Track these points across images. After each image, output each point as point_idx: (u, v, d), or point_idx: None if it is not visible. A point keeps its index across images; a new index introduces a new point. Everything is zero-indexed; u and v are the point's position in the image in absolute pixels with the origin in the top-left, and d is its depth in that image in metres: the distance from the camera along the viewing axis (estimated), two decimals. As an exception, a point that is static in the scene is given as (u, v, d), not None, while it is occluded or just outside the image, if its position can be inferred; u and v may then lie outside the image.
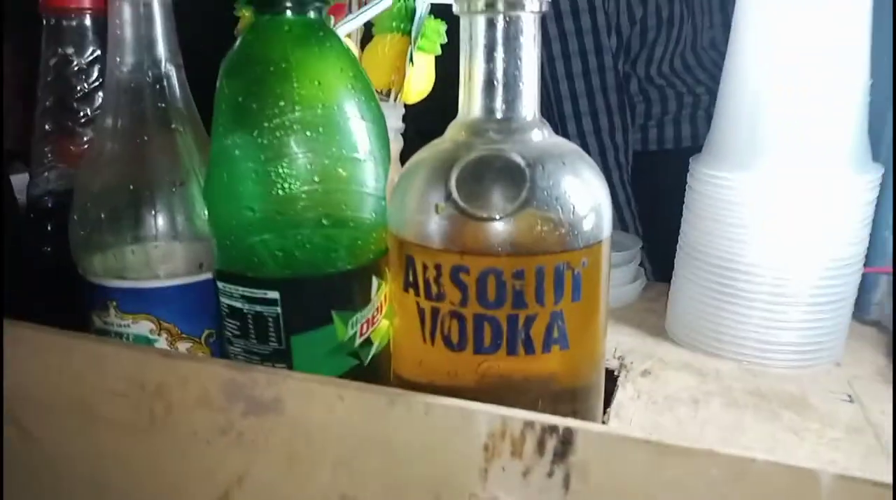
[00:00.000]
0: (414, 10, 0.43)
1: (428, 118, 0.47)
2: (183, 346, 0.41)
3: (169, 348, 0.39)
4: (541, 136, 0.34)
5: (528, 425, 0.31)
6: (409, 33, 0.43)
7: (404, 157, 0.44)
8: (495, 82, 0.33)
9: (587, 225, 0.33)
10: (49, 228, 0.48)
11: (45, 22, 0.47)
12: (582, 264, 0.32)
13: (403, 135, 0.46)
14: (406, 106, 0.45)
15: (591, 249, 0.33)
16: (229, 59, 0.33)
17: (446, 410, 0.32)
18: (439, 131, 0.35)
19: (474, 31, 0.33)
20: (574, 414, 0.34)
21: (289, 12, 0.33)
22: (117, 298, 0.40)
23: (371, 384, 0.33)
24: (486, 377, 0.33)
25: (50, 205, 0.48)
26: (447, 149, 0.34)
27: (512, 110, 0.33)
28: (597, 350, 0.35)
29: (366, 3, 0.43)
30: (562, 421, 0.30)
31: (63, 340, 0.39)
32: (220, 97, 0.33)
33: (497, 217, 0.31)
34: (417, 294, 0.33)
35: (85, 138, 0.47)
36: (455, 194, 0.32)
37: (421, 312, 0.33)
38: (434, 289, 0.33)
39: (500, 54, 0.33)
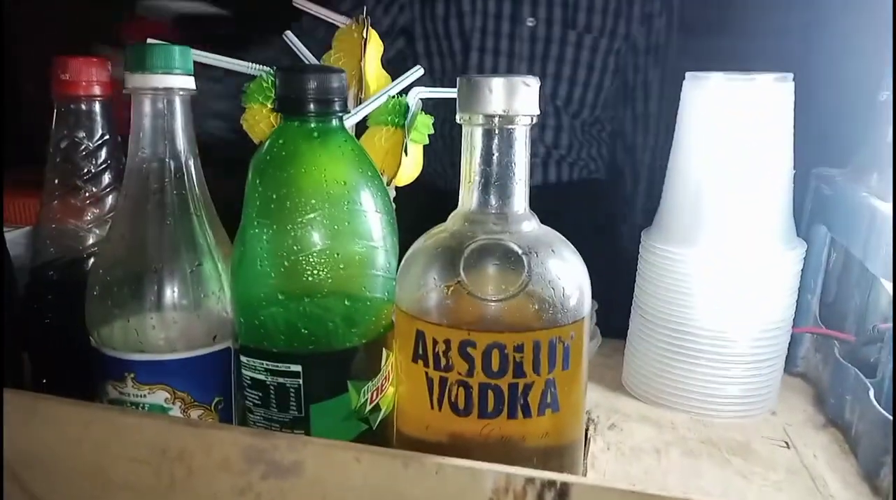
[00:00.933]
0: (406, 106, 0.48)
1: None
2: (195, 413, 0.44)
3: (192, 418, 0.42)
4: (531, 226, 0.39)
5: (530, 481, 0.35)
6: (402, 126, 0.48)
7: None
8: (492, 181, 0.39)
9: (573, 302, 0.38)
10: (51, 299, 0.50)
11: (56, 108, 0.50)
12: (570, 337, 0.38)
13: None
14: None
15: (577, 323, 0.38)
16: (260, 159, 0.37)
17: (456, 469, 0.36)
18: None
19: (473, 139, 0.38)
20: (561, 467, 0.39)
21: (313, 120, 0.38)
22: (135, 369, 0.42)
23: (386, 448, 0.37)
24: (488, 438, 0.37)
25: (54, 278, 0.50)
26: (450, 236, 0.39)
27: (506, 205, 0.39)
28: (580, 410, 0.41)
29: (363, 100, 0.48)
30: (558, 476, 0.35)
31: (84, 411, 0.41)
32: (252, 192, 0.37)
33: (501, 298, 0.37)
34: (426, 365, 0.38)
35: (89, 216, 0.50)
36: (464, 278, 0.37)
37: (429, 381, 0.38)
38: (443, 361, 0.37)
39: (496, 159, 0.38)
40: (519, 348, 0.36)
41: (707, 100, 0.54)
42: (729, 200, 0.53)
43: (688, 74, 0.55)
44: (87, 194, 0.50)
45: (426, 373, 0.38)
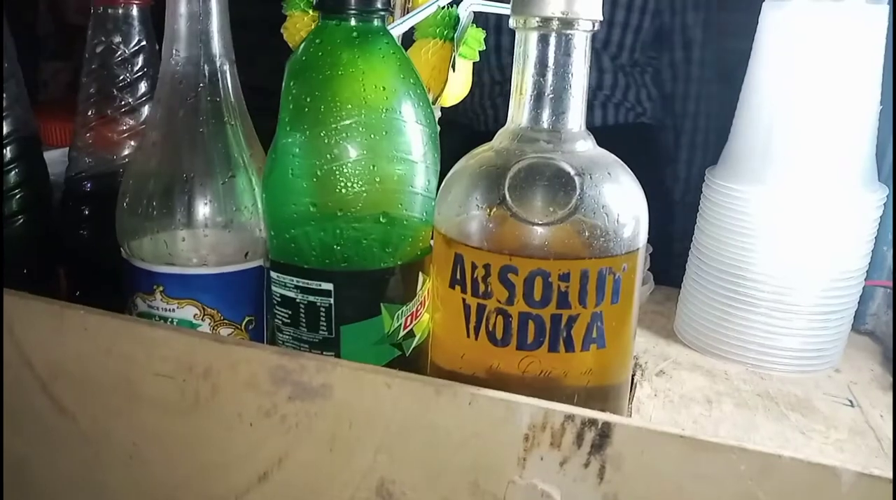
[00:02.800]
0: (457, 18, 0.45)
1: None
2: (224, 331, 0.42)
3: (221, 334, 0.41)
4: (586, 146, 0.36)
5: (569, 418, 0.33)
6: (451, 40, 0.45)
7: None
8: (545, 95, 0.35)
9: (628, 232, 0.35)
10: (86, 211, 0.49)
11: (92, 10, 0.48)
12: (622, 269, 0.34)
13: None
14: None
15: (630, 255, 0.35)
16: (296, 61, 0.35)
17: (491, 401, 0.34)
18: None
19: (527, 46, 0.35)
20: (604, 409, 0.36)
21: (354, 19, 0.35)
22: (164, 283, 0.41)
23: (418, 375, 0.35)
24: (526, 372, 0.35)
25: (88, 188, 0.49)
26: (497, 155, 0.36)
27: (560, 122, 0.35)
28: (628, 350, 0.38)
29: (411, 9, 0.45)
30: (601, 415, 0.32)
31: (110, 322, 0.40)
32: (287, 96, 0.34)
33: (547, 222, 0.33)
34: (464, 291, 0.35)
35: (124, 126, 0.49)
36: (508, 199, 0.34)
37: (466, 308, 0.35)
38: (481, 287, 0.35)
39: (551, 69, 0.35)
40: (564, 277, 0.33)
41: (786, 25, 0.49)
42: (804, 135, 0.48)
43: (764, 4, 0.50)
44: (122, 103, 0.48)
45: (463, 299, 0.35)
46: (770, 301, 0.50)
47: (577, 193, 0.33)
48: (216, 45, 0.41)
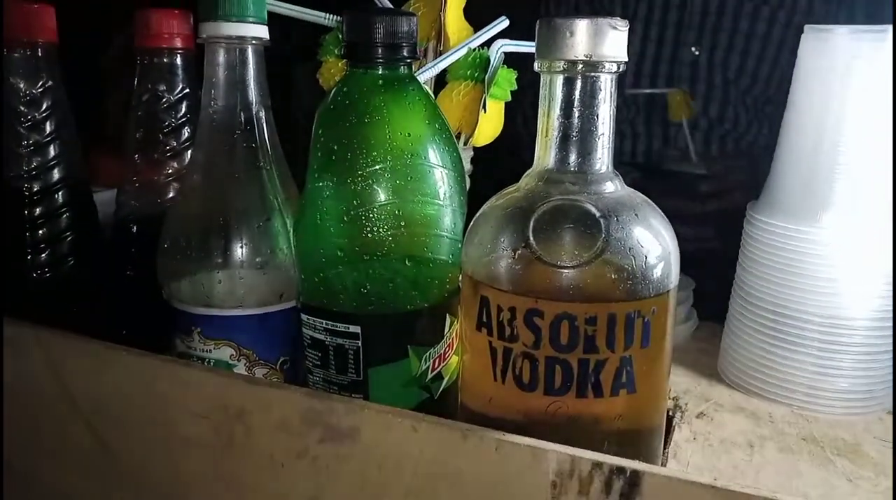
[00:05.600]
0: (487, 59, 0.45)
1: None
2: (259, 371, 0.43)
3: (252, 375, 0.42)
4: (614, 187, 0.35)
5: (597, 465, 0.32)
6: (482, 81, 0.45)
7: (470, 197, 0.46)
8: (571, 137, 0.35)
9: (657, 274, 0.34)
10: (133, 252, 0.51)
11: (138, 59, 0.50)
12: (651, 312, 0.34)
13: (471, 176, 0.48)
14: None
15: (660, 297, 0.34)
16: (325, 109, 0.36)
17: (517, 447, 0.33)
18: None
19: (552, 89, 0.35)
20: (637, 455, 0.35)
21: (381, 67, 0.35)
22: (202, 324, 0.42)
23: (445, 419, 0.35)
24: (554, 417, 0.34)
25: (135, 230, 0.51)
26: (523, 197, 0.36)
27: (586, 163, 0.35)
28: (661, 394, 0.37)
29: (442, 52, 0.45)
30: (629, 464, 0.32)
31: (150, 363, 0.41)
32: (316, 144, 0.35)
33: (572, 265, 0.33)
34: (490, 334, 0.35)
35: (169, 170, 0.51)
36: (532, 242, 0.34)
37: (493, 351, 0.35)
38: (507, 331, 0.34)
39: (576, 111, 0.35)
40: (591, 321, 0.33)
41: (829, 56, 0.48)
42: (850, 169, 0.47)
43: (807, 28, 0.49)
44: (167, 148, 0.50)
45: (490, 343, 0.35)
46: (817, 340, 0.48)
47: (603, 235, 0.33)
48: (252, 93, 0.42)
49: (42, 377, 0.44)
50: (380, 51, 0.35)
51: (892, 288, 0.47)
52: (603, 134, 0.35)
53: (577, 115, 0.35)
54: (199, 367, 0.41)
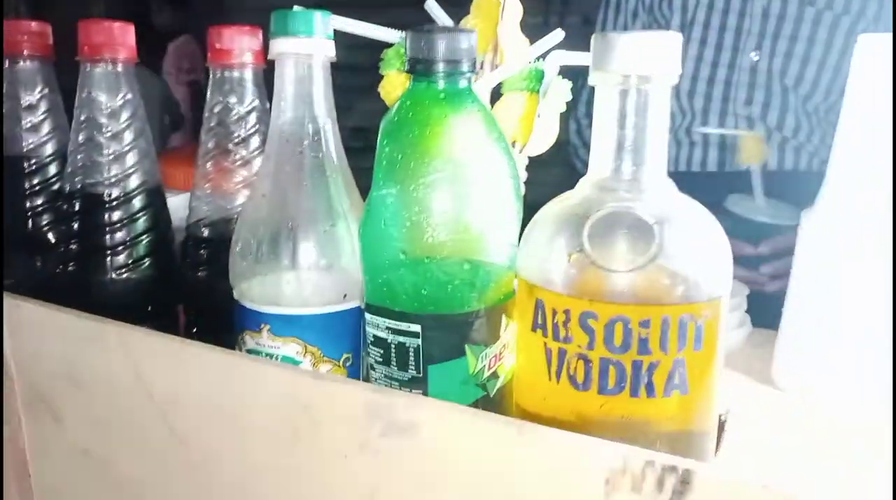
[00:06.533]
0: (542, 72, 0.47)
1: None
2: (324, 368, 0.45)
3: (319, 371, 0.44)
4: (667, 195, 0.37)
5: (649, 463, 0.33)
6: (537, 92, 0.47)
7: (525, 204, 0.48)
8: (625, 147, 0.36)
9: (709, 280, 0.35)
10: (204, 254, 0.54)
11: (210, 73, 0.53)
12: (704, 316, 0.35)
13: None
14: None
15: (712, 302, 0.35)
16: (389, 121, 0.38)
17: (571, 443, 0.35)
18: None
19: (606, 101, 0.36)
20: (688, 457, 0.36)
21: (441, 81, 0.37)
22: (270, 322, 0.45)
23: (501, 415, 0.36)
24: (607, 416, 0.36)
25: (206, 234, 0.54)
26: (578, 204, 0.37)
27: (640, 172, 0.36)
28: (713, 397, 0.38)
29: (497, 66, 0.47)
30: (682, 462, 0.33)
31: (222, 358, 0.44)
32: (381, 154, 0.37)
33: (626, 270, 0.34)
34: (545, 335, 0.37)
35: (239, 178, 0.53)
36: (587, 247, 0.35)
37: (548, 352, 0.37)
38: (562, 332, 0.36)
39: (630, 122, 0.36)
40: (645, 324, 0.34)
41: (882, 64, 0.48)
42: (907, 177, 0.47)
43: (861, 37, 0.49)
44: (237, 157, 0.53)
45: (545, 343, 0.37)
46: (874, 346, 0.48)
47: (656, 241, 0.34)
48: (319, 106, 0.45)
49: (122, 372, 0.47)
50: (441, 66, 0.37)
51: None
52: (657, 144, 0.36)
53: (631, 125, 0.36)
54: (268, 362, 0.44)
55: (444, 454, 0.38)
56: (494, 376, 0.40)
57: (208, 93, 0.53)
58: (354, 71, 0.69)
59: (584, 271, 0.36)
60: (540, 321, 0.37)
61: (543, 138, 0.48)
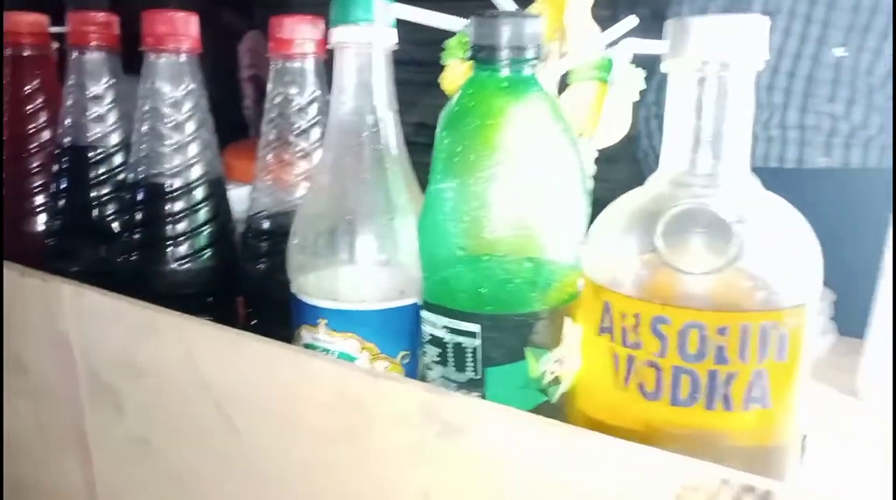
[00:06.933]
0: (611, 60, 0.44)
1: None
2: (381, 365, 0.44)
3: (374, 368, 0.43)
4: (749, 192, 0.34)
5: (725, 482, 0.31)
6: (607, 81, 0.44)
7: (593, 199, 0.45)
8: (703, 139, 0.34)
9: (795, 284, 0.32)
10: (264, 246, 0.54)
11: (272, 64, 0.53)
12: (788, 324, 0.32)
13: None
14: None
15: (797, 309, 0.32)
16: (449, 111, 0.36)
17: (639, 456, 0.32)
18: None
19: (683, 89, 0.34)
20: (767, 475, 0.34)
21: (505, 69, 0.35)
22: (327, 316, 0.44)
23: (562, 423, 0.34)
24: (679, 429, 0.33)
25: (266, 226, 0.53)
26: (650, 200, 0.35)
27: (720, 166, 0.34)
28: (795, 411, 0.35)
29: (565, 54, 0.45)
30: (760, 481, 0.30)
31: (277, 351, 0.43)
32: (440, 146, 0.36)
33: (702, 272, 0.32)
34: (613, 340, 0.34)
35: (299, 170, 0.53)
36: (660, 246, 0.33)
37: (615, 358, 0.34)
38: (631, 337, 0.34)
39: (709, 113, 0.33)
40: (722, 331, 0.32)
41: None
42: None
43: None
44: (297, 149, 0.52)
45: (612, 349, 0.34)
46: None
47: (736, 241, 0.32)
48: (380, 96, 0.43)
49: (177, 362, 0.47)
50: (505, 53, 0.35)
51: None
52: (738, 136, 0.34)
53: (709, 116, 0.33)
54: (323, 357, 0.43)
55: (500, 460, 0.36)
56: (556, 381, 0.38)
57: (269, 84, 0.53)
58: (419, 66, 0.67)
59: (657, 273, 0.33)
60: (607, 325, 0.35)
61: (613, 130, 0.45)
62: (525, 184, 0.35)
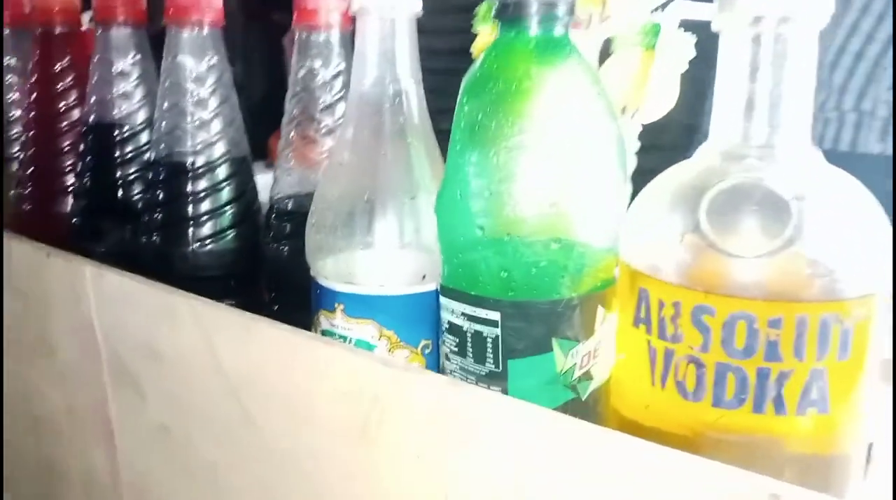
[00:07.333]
0: (659, 27, 0.40)
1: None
2: (400, 354, 0.41)
3: (391, 358, 0.40)
4: (810, 165, 0.30)
5: (775, 497, 0.27)
6: (653, 48, 0.40)
7: (636, 177, 0.41)
8: (758, 105, 0.30)
9: (861, 271, 0.28)
10: (287, 228, 0.52)
11: (297, 36, 0.50)
12: (853, 317, 0.28)
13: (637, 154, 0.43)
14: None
15: (865, 299, 0.28)
16: (470, 77, 0.33)
17: (674, 463, 0.29)
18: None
19: (735, 49, 0.30)
20: (826, 489, 0.29)
21: (534, 27, 0.32)
22: (345, 302, 0.41)
23: (591, 423, 0.31)
24: (723, 434, 0.29)
25: (289, 207, 0.51)
26: (696, 174, 0.31)
27: (777, 136, 0.30)
28: (860, 417, 0.30)
29: (607, 18, 0.41)
30: (816, 497, 0.26)
31: (291, 337, 0.41)
32: (459, 114, 0.33)
33: (753, 256, 0.28)
34: (649, 332, 0.31)
35: (325, 147, 0.50)
36: (705, 226, 0.29)
37: (652, 351, 0.31)
38: (670, 329, 0.30)
39: (765, 74, 0.29)
40: (775, 323, 0.27)
41: None
42: None
43: None
44: (322, 125, 0.50)
45: (648, 342, 0.31)
46: None
47: (794, 221, 0.27)
48: (403, 66, 0.40)
49: (195, 346, 0.45)
50: (533, 8, 0.31)
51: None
52: (798, 102, 0.30)
53: (766, 80, 0.29)
54: (338, 344, 0.41)
55: (523, 461, 0.33)
56: (587, 376, 0.35)
57: (293, 57, 0.50)
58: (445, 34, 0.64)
59: (701, 256, 0.29)
60: (643, 315, 0.31)
61: (660, 102, 0.41)
62: (553, 155, 0.31)
